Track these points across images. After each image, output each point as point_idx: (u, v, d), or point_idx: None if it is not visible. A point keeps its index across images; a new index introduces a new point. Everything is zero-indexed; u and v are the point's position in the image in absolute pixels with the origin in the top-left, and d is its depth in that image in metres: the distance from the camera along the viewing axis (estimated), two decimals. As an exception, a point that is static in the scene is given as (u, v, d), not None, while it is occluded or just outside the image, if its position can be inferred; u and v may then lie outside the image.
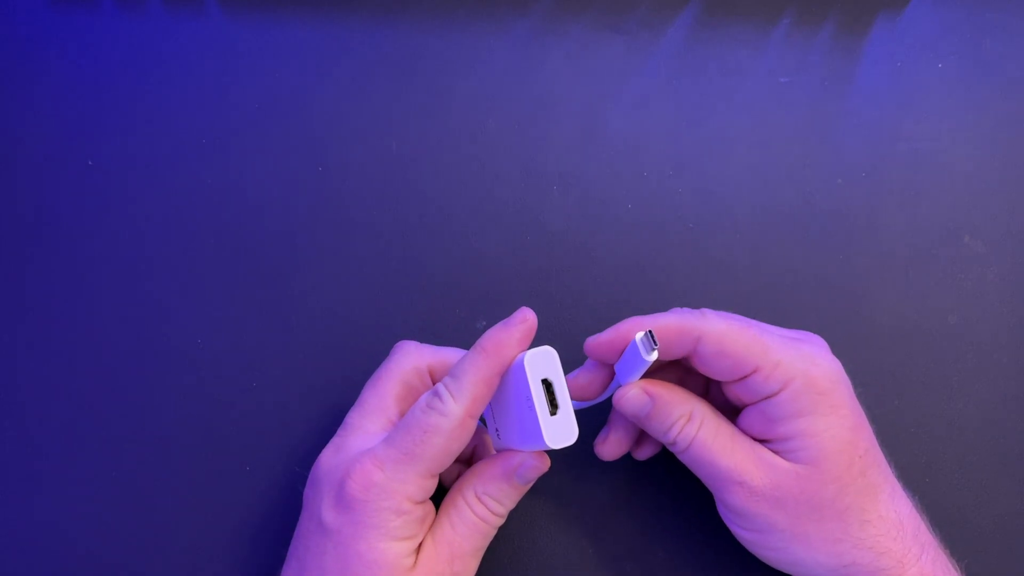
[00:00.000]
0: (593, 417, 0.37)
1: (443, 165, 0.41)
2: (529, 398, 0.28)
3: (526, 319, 0.29)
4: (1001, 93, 0.42)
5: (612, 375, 0.33)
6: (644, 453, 0.35)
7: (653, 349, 0.29)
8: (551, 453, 0.37)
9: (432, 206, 0.41)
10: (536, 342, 0.38)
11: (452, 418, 0.28)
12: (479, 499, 0.30)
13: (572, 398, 0.32)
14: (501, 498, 0.31)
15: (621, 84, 0.43)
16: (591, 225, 0.40)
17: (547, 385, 0.29)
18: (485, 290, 0.39)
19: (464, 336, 0.38)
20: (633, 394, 0.31)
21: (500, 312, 0.38)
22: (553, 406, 0.29)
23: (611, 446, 0.34)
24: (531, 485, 0.31)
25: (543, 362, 0.29)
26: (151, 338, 0.39)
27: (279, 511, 0.32)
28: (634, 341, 0.29)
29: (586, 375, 0.33)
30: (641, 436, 0.35)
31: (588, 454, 0.37)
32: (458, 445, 0.29)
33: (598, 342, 0.31)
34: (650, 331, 0.29)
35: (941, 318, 0.39)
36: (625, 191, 0.41)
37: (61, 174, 0.41)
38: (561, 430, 0.28)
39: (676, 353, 0.31)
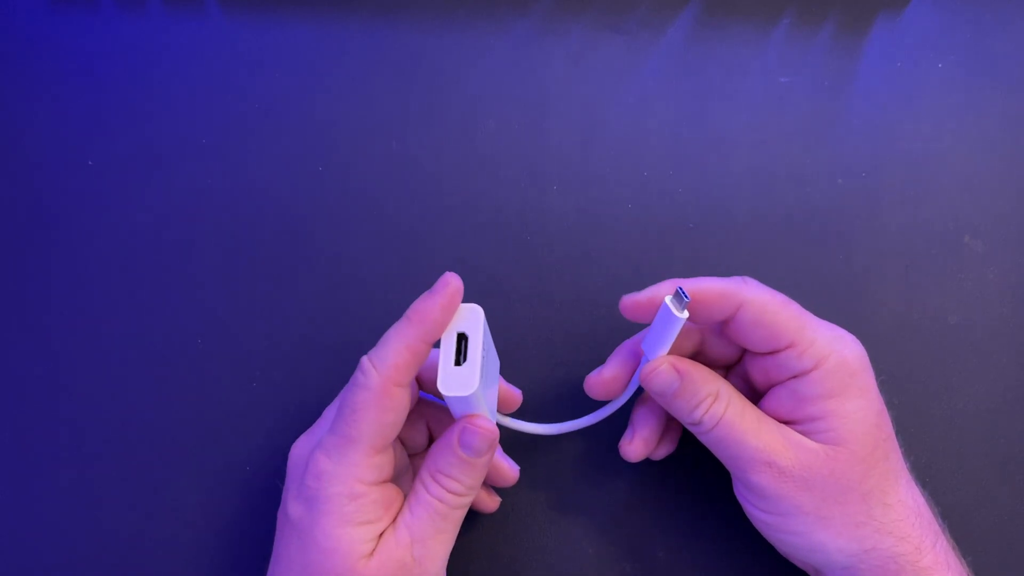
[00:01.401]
0: (612, 419, 0.37)
1: (443, 165, 0.41)
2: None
3: (448, 284, 0.29)
4: (1001, 93, 0.42)
5: (634, 369, 0.32)
6: (660, 453, 0.35)
7: (684, 306, 0.29)
8: (549, 456, 0.37)
9: (432, 206, 0.41)
10: (537, 342, 0.38)
11: (374, 389, 0.28)
12: (432, 479, 0.30)
13: (598, 396, 0.33)
14: (454, 474, 0.30)
15: (621, 84, 0.43)
16: (591, 225, 0.40)
17: (463, 339, 0.29)
18: (485, 290, 0.39)
19: (464, 336, 0.38)
20: (663, 369, 0.30)
21: (500, 312, 0.38)
22: (460, 357, 0.29)
23: (638, 446, 0.34)
24: (486, 458, 0.30)
25: (465, 316, 0.29)
26: (151, 337, 0.39)
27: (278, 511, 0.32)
28: (664, 303, 0.29)
29: (611, 370, 0.33)
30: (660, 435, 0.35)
31: (589, 455, 0.37)
32: (391, 416, 0.28)
33: (635, 300, 0.31)
34: (680, 288, 0.29)
35: (941, 318, 0.39)
36: (625, 191, 0.41)
37: (61, 174, 0.41)
38: (458, 380, 0.28)
39: (715, 317, 0.30)
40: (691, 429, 0.32)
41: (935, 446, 0.37)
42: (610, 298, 0.39)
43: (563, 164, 0.41)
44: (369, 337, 0.38)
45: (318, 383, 0.38)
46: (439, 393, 0.29)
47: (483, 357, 0.29)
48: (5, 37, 0.44)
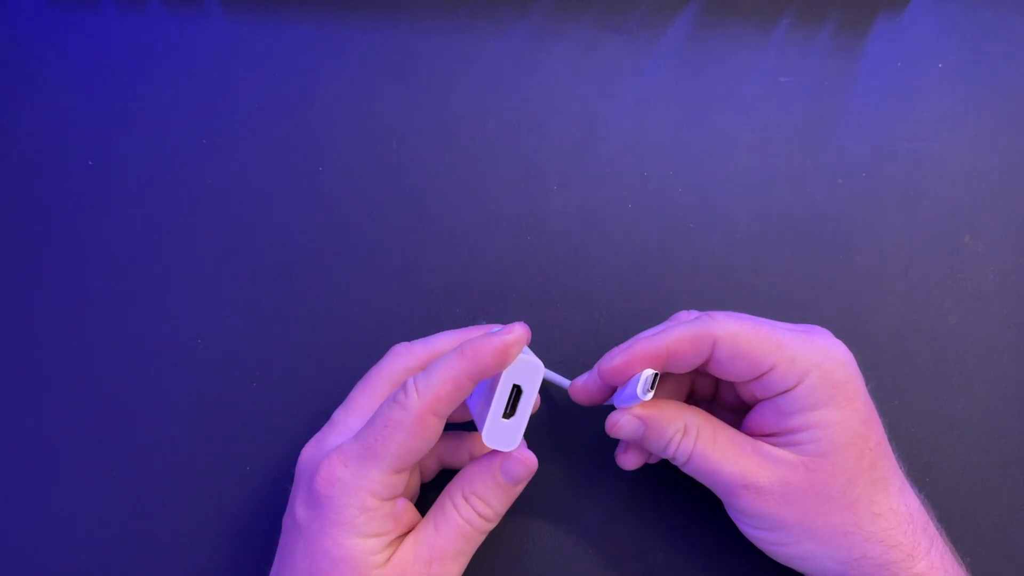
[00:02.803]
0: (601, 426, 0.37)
1: (443, 165, 0.41)
2: (494, 393, 0.29)
3: (512, 331, 0.28)
4: (1001, 93, 0.42)
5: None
6: (656, 458, 0.35)
7: (649, 391, 0.30)
8: (549, 455, 0.37)
9: (432, 206, 0.41)
10: (536, 342, 0.38)
11: (412, 413, 0.28)
12: (466, 500, 0.30)
13: (581, 400, 0.33)
14: (488, 499, 0.30)
15: (621, 84, 0.43)
16: (591, 225, 0.40)
17: (517, 391, 0.29)
18: (485, 290, 0.39)
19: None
20: (625, 420, 0.31)
21: (500, 312, 0.39)
22: (511, 411, 0.29)
23: (633, 456, 0.34)
24: (521, 486, 0.31)
25: (524, 370, 0.29)
26: (151, 338, 0.39)
27: (279, 511, 0.32)
28: (637, 377, 0.30)
29: (594, 383, 0.33)
30: None
31: (588, 455, 0.37)
32: (421, 442, 0.28)
33: (613, 367, 0.30)
34: (656, 374, 0.29)
35: (941, 318, 0.39)
36: (625, 191, 0.41)
37: (61, 174, 0.41)
38: (503, 434, 0.29)
39: (694, 363, 0.30)
40: (671, 462, 0.32)
41: (935, 446, 0.37)
42: (610, 298, 0.39)
43: (563, 164, 0.41)
44: (369, 337, 0.38)
45: (318, 383, 0.38)
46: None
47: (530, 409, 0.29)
48: (5, 37, 0.44)
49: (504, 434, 0.29)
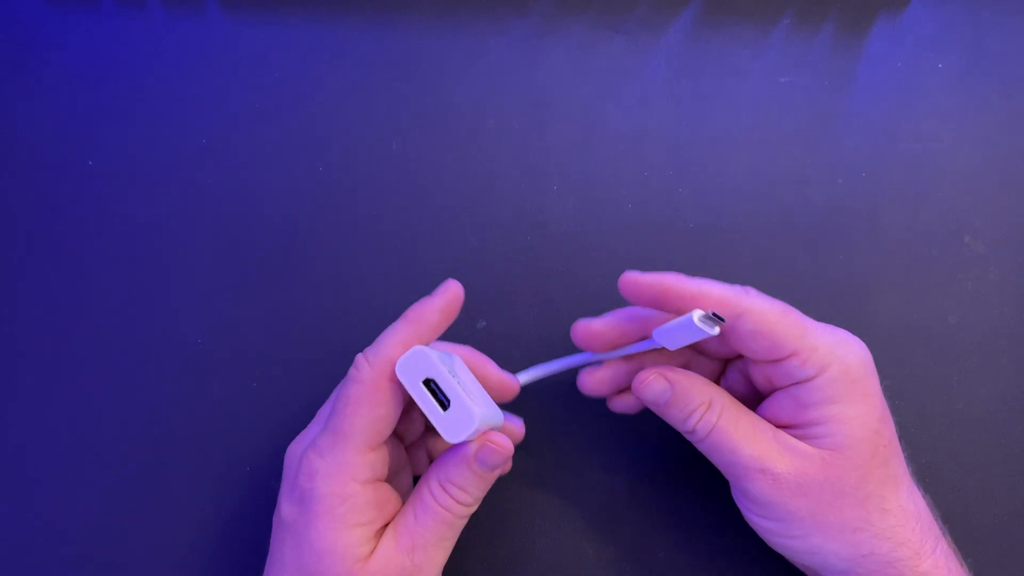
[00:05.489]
0: (613, 421, 0.37)
1: (443, 165, 0.41)
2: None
3: (448, 289, 0.30)
4: (1001, 93, 0.42)
5: (627, 330, 0.32)
6: (620, 404, 0.35)
7: (716, 324, 0.28)
8: (548, 455, 0.37)
9: (432, 206, 0.41)
10: (537, 342, 0.38)
11: (366, 382, 0.28)
12: (442, 487, 0.30)
13: (582, 343, 0.32)
14: (465, 486, 0.30)
15: (621, 84, 0.43)
16: (591, 225, 0.40)
17: (433, 384, 0.28)
18: (485, 290, 0.39)
19: (464, 336, 0.38)
20: (653, 379, 0.30)
21: (500, 312, 0.39)
22: (443, 402, 0.28)
23: (628, 399, 0.34)
24: (498, 472, 0.30)
25: (416, 364, 0.28)
26: (151, 338, 0.39)
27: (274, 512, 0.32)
28: (691, 319, 0.28)
29: (601, 323, 0.32)
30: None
31: (588, 454, 0.37)
32: (384, 411, 0.28)
33: (639, 282, 0.30)
34: (714, 313, 0.28)
35: (941, 318, 0.39)
36: (625, 191, 0.41)
37: (61, 174, 0.41)
38: (456, 423, 0.28)
39: None
40: (686, 436, 0.32)
41: (935, 446, 0.37)
42: (610, 299, 0.39)
43: (563, 164, 0.41)
44: (369, 337, 0.38)
45: (318, 383, 0.38)
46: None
47: (457, 382, 0.28)
48: (5, 37, 0.44)
49: (458, 423, 0.28)
